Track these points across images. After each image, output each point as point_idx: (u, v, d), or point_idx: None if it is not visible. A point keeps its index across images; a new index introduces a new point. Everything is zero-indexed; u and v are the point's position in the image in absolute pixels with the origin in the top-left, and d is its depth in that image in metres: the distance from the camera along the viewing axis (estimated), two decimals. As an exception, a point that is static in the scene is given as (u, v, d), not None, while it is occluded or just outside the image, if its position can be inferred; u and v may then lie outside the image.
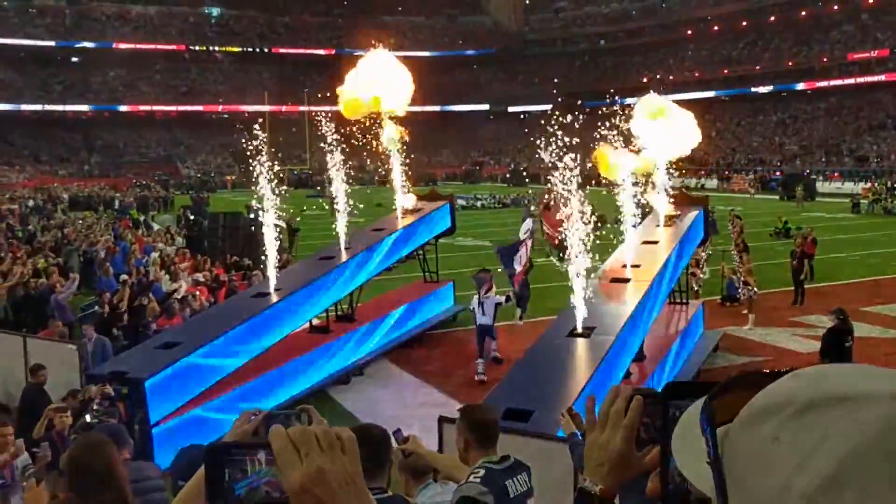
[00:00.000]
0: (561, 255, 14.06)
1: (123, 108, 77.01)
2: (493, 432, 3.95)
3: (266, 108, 62.78)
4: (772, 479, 0.71)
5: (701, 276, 17.59)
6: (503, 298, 13.07)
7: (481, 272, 13.74)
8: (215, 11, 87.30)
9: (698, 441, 0.80)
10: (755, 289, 15.86)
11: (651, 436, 1.23)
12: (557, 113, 11.00)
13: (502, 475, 3.64)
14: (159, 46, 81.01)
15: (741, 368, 12.70)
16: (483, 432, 3.91)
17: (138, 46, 79.75)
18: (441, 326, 15.77)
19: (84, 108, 75.66)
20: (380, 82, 15.88)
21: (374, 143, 16.63)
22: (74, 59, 78.80)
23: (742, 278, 16.08)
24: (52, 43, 76.50)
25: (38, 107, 73.10)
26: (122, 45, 79.28)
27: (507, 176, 66.44)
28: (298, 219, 26.92)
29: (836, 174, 54.54)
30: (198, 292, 15.16)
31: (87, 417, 6.22)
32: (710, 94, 71.75)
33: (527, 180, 53.14)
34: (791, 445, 0.71)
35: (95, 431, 4.89)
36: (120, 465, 3.43)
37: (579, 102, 61.87)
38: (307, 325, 12.85)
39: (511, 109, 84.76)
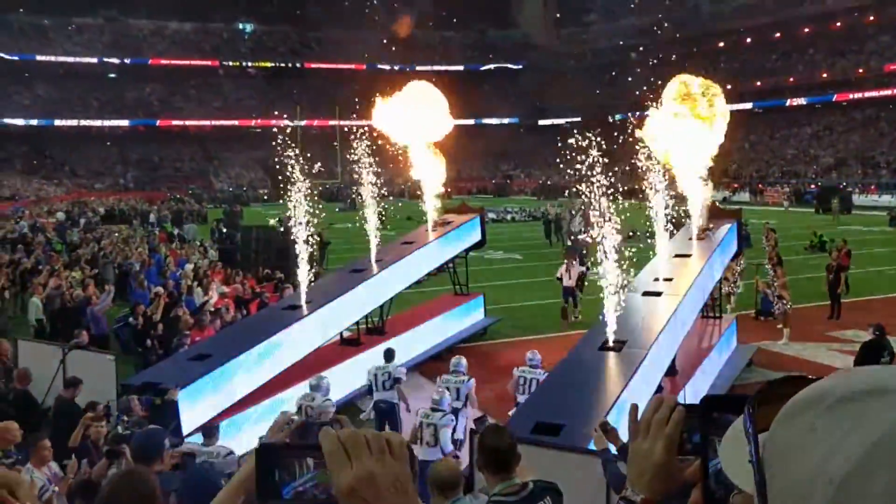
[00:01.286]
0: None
1: (159, 123, 78.28)
2: (504, 458, 3.79)
3: (298, 122, 63.44)
4: (805, 465, 0.73)
5: (735, 290, 17.42)
6: (585, 268, 17.63)
7: (571, 250, 19.19)
8: (248, 28, 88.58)
9: (743, 444, 0.83)
10: (789, 303, 15.64)
11: (692, 447, 1.22)
12: (587, 126, 10.96)
13: None
14: (194, 62, 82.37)
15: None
16: (493, 458, 3.77)
17: (173, 62, 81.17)
18: (471, 340, 15.73)
19: (120, 122, 77.02)
20: (419, 114, 16.09)
21: (404, 160, 16.75)
22: (111, 75, 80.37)
23: (777, 292, 15.86)
24: (91, 59, 78.15)
25: (74, 122, 74.58)
26: (158, 61, 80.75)
27: (538, 189, 66.39)
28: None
29: (872, 187, 53.57)
30: (229, 304, 15.30)
31: (119, 428, 6.28)
32: (744, 106, 71.05)
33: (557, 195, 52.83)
34: (825, 433, 0.73)
35: (137, 436, 4.88)
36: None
37: (608, 116, 61.52)
38: (338, 337, 12.91)
39: (541, 122, 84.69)
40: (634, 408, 1.39)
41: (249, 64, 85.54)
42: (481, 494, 4.25)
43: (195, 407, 9.33)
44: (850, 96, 66.62)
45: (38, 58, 75.27)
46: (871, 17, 68.57)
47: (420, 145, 16.30)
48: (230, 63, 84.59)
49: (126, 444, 5.50)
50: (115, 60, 79.46)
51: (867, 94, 65.43)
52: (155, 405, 8.70)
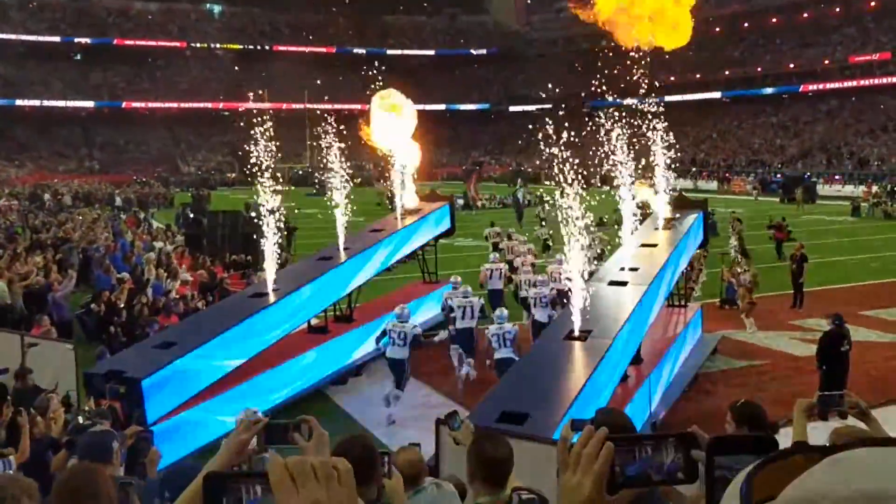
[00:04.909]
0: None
1: (124, 105, 76.85)
2: (500, 471, 3.68)
3: (267, 105, 62.76)
4: None
5: (699, 278, 17.59)
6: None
7: None
8: (217, 9, 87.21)
9: None
10: (753, 294, 15.79)
11: (624, 481, 1.22)
12: (559, 112, 10.96)
13: None
14: (160, 43, 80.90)
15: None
16: (489, 470, 3.67)
17: (139, 43, 79.64)
18: (440, 327, 15.73)
19: (85, 104, 75.49)
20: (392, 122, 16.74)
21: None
22: (75, 55, 78.73)
23: (742, 285, 15.99)
24: (54, 38, 76.33)
25: (37, 102, 72.91)
26: (123, 42, 79.19)
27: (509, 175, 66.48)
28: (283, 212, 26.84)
29: (837, 177, 54.38)
30: (194, 292, 15.16)
31: (80, 419, 6.18)
32: (711, 95, 71.65)
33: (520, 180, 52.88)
34: None
35: (84, 437, 4.77)
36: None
37: (582, 102, 61.52)
38: (305, 325, 12.85)
39: (512, 109, 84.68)
40: (565, 441, 1.37)
41: (217, 46, 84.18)
42: (446, 483, 4.21)
43: (161, 395, 9.25)
44: (816, 87, 67.45)
45: None
46: (837, 9, 69.43)
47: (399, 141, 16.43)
48: (198, 45, 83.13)
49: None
50: (79, 40, 77.76)
51: (831, 86, 66.30)
52: (119, 394, 8.60)
